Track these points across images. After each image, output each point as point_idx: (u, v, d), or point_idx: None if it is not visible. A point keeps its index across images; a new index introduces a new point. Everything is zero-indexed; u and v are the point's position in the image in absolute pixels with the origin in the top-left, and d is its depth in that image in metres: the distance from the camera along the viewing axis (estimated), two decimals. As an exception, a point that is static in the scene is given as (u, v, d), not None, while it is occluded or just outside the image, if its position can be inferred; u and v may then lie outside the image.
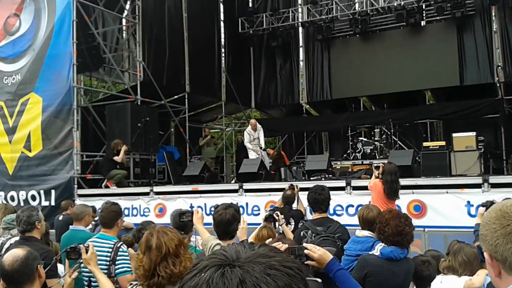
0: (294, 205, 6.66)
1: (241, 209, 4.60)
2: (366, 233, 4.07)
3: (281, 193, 8.19)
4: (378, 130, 14.03)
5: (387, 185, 6.17)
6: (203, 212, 3.70)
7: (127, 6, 13.52)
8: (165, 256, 2.54)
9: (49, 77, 11.41)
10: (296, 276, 0.92)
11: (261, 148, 12.23)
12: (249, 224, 4.17)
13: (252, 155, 12.21)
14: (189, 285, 0.91)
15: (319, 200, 4.64)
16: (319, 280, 2.23)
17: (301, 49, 17.14)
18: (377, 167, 6.57)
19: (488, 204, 5.01)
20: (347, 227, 4.68)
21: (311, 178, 10.38)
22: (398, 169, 6.47)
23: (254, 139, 12.32)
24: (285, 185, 7.79)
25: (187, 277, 0.93)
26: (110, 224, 4.13)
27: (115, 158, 10.49)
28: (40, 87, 11.50)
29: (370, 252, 3.71)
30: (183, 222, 3.65)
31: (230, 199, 8.58)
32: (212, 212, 3.72)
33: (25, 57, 11.84)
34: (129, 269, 3.75)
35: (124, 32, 14.33)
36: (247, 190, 9.32)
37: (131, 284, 2.87)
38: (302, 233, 4.47)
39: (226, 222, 3.42)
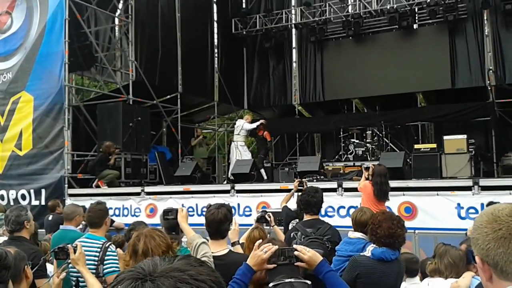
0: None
1: (232, 210, 4.59)
2: (359, 234, 4.08)
3: (274, 194, 8.18)
4: (370, 132, 14.08)
5: (377, 187, 6.18)
6: (187, 211, 3.66)
7: (120, 5, 13.45)
8: None
9: (40, 75, 11.34)
10: None
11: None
12: (240, 225, 4.17)
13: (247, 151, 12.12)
14: None
15: (312, 202, 4.65)
16: (309, 282, 2.22)
17: (294, 51, 17.11)
18: (367, 169, 6.59)
19: None
20: (338, 229, 4.69)
21: (303, 180, 10.37)
22: (388, 171, 6.47)
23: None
24: (276, 186, 7.77)
25: None
26: (98, 224, 4.09)
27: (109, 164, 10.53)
28: (31, 86, 11.43)
29: (361, 253, 3.71)
30: (167, 220, 3.62)
31: (222, 200, 8.56)
32: (204, 212, 3.70)
33: (16, 55, 11.76)
34: (117, 269, 3.72)
35: (117, 31, 14.26)
36: (239, 191, 9.32)
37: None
38: (292, 234, 4.48)
39: (218, 221, 3.41)
